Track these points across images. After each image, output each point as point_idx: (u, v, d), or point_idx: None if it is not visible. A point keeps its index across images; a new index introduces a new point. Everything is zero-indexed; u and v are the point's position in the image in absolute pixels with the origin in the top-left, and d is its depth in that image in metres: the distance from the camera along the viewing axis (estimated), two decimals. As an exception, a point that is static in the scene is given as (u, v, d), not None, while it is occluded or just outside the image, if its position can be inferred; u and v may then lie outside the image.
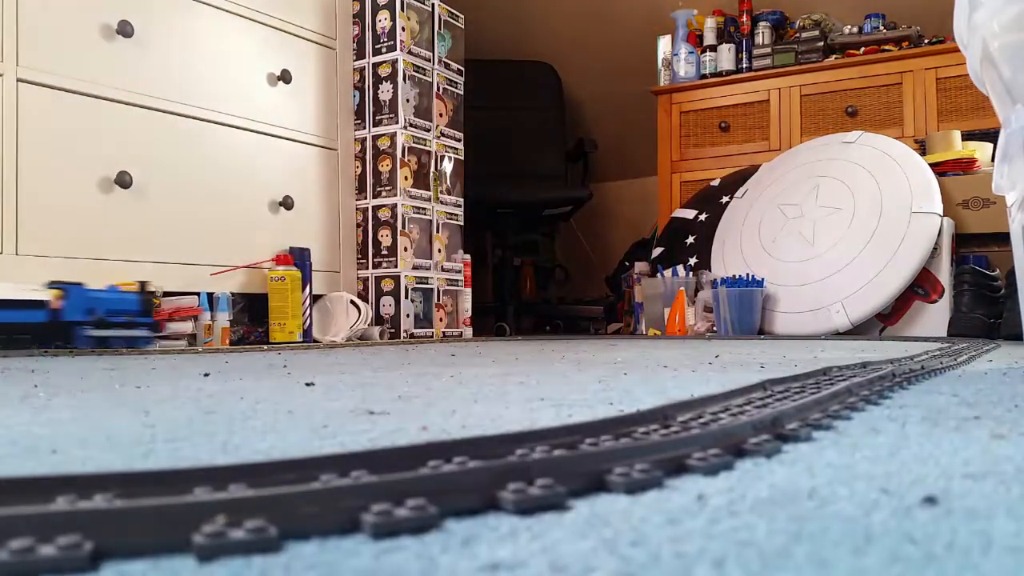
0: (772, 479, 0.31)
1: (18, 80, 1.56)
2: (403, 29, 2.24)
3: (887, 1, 2.76)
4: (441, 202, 2.37)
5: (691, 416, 0.42)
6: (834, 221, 2.24)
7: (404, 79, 2.24)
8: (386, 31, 2.25)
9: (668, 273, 2.46)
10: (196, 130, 1.88)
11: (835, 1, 2.89)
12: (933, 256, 2.11)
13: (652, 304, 2.45)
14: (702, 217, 2.64)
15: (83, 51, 1.67)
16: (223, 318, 1.82)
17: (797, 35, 2.80)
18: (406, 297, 2.20)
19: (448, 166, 2.41)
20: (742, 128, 2.85)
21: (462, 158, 2.47)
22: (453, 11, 2.45)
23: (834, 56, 2.73)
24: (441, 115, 2.38)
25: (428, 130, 2.32)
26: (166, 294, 1.73)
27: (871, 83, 2.64)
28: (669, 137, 2.97)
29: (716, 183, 2.75)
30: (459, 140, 2.46)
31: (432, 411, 0.54)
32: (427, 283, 2.28)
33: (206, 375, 0.89)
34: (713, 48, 2.91)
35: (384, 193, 2.24)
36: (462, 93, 2.48)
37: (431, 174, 2.33)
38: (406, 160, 2.24)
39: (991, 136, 2.28)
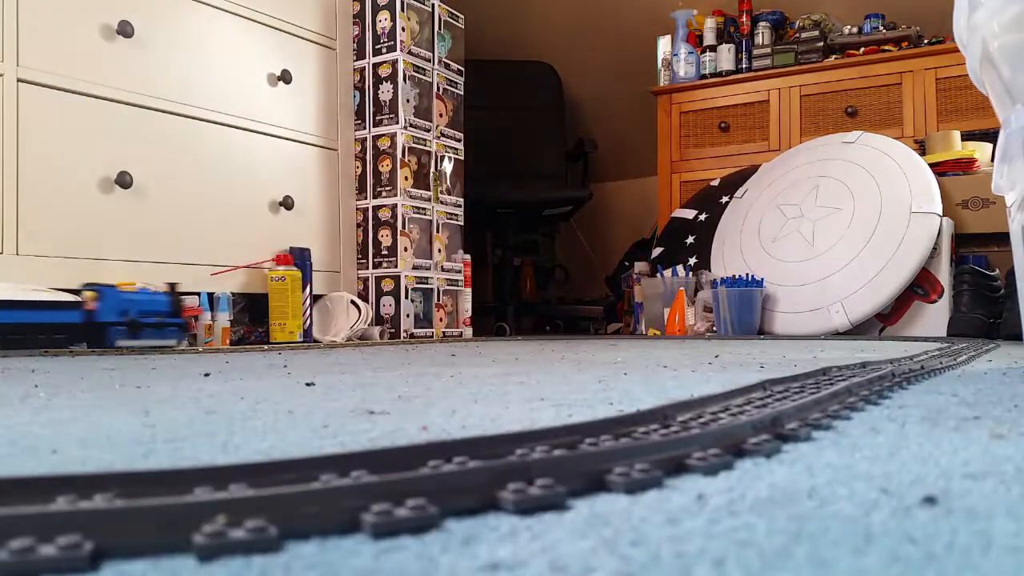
0: (772, 479, 0.31)
1: (18, 80, 1.56)
2: (403, 29, 2.24)
3: (887, 1, 2.76)
4: (441, 202, 2.37)
5: (691, 416, 0.42)
6: (834, 221, 2.25)
7: (404, 79, 2.24)
8: (386, 31, 2.25)
9: (668, 273, 2.46)
10: (196, 130, 1.88)
11: (835, 1, 2.89)
12: (933, 256, 2.11)
13: (652, 304, 2.45)
14: (702, 217, 2.64)
15: (83, 51, 1.67)
16: (223, 318, 1.82)
17: (797, 35, 2.80)
18: (406, 297, 2.20)
19: (448, 166, 2.41)
20: (742, 128, 2.85)
21: (462, 158, 2.47)
22: (453, 11, 2.45)
23: (834, 56, 2.73)
24: (441, 115, 2.38)
25: (428, 130, 2.32)
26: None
27: (871, 83, 2.64)
28: (669, 137, 2.97)
29: (716, 183, 2.75)
30: (459, 140, 2.46)
31: (432, 411, 0.54)
32: (427, 283, 2.28)
33: (206, 375, 0.89)
34: (713, 48, 2.91)
35: (384, 193, 2.24)
36: (462, 93, 2.48)
37: (431, 174, 2.33)
38: (406, 160, 2.24)
39: (991, 136, 2.28)
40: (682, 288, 2.37)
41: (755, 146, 2.82)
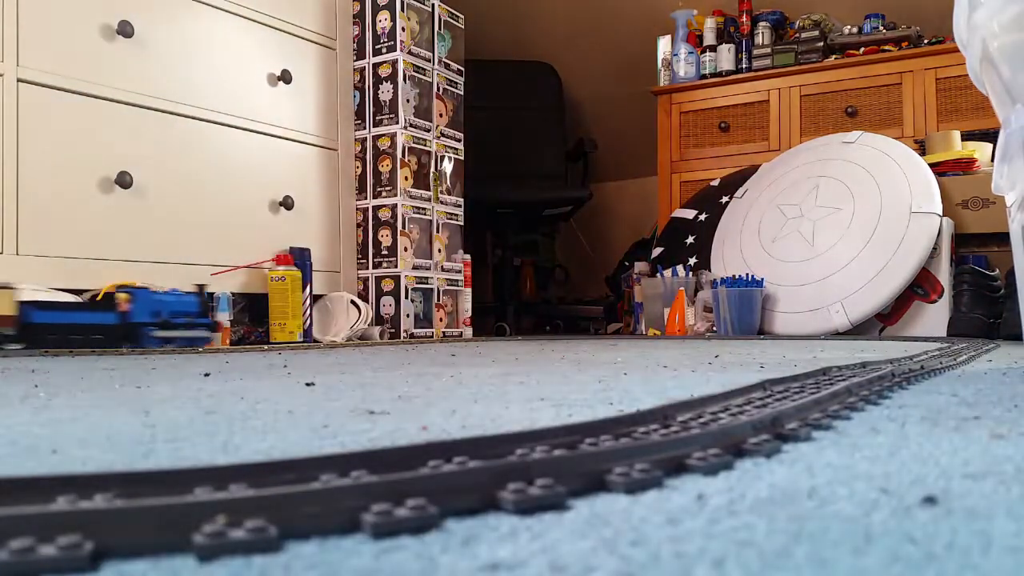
0: (772, 479, 0.31)
1: (18, 80, 1.56)
2: (403, 29, 2.24)
3: (887, 1, 2.76)
4: (441, 202, 2.37)
5: (691, 416, 0.42)
6: (834, 221, 2.25)
7: (404, 79, 2.24)
8: (386, 31, 2.25)
9: (668, 273, 2.46)
10: (196, 130, 1.88)
11: (835, 1, 2.89)
12: (933, 256, 2.11)
13: (652, 304, 2.45)
14: (702, 217, 2.64)
15: (83, 51, 1.67)
16: (223, 318, 1.82)
17: (797, 35, 2.80)
18: (406, 297, 2.20)
19: (448, 166, 2.41)
20: (742, 128, 2.85)
21: (462, 158, 2.47)
22: (453, 11, 2.45)
23: (834, 56, 2.73)
24: (441, 115, 2.38)
25: (428, 130, 2.32)
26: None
27: (871, 83, 2.64)
28: (669, 137, 2.97)
29: (716, 183, 2.75)
30: (459, 140, 2.46)
31: (432, 411, 0.54)
32: (427, 283, 2.28)
33: (206, 375, 0.89)
34: (713, 48, 2.91)
35: (384, 193, 2.24)
36: (462, 93, 2.48)
37: (431, 174, 2.33)
38: (406, 160, 2.24)
39: (991, 136, 2.28)
40: (682, 288, 2.37)
41: (755, 146, 2.82)
